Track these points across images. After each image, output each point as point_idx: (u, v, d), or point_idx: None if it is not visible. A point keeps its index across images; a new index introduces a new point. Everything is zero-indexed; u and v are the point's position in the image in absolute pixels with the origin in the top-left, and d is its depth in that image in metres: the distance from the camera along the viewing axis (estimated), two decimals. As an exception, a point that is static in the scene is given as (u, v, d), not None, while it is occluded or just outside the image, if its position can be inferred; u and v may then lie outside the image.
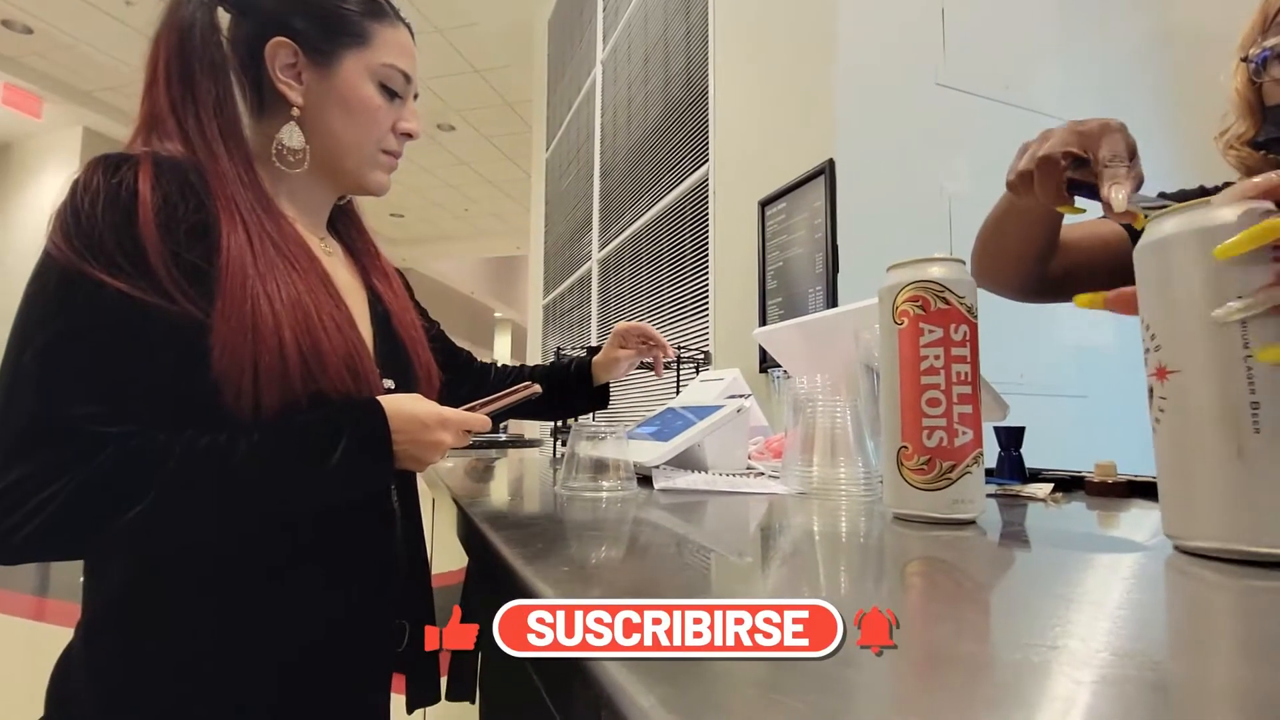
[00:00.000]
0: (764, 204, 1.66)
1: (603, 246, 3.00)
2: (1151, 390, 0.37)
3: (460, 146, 5.65)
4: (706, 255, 2.00)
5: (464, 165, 6.02)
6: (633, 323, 0.95)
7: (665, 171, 2.34)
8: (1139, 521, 0.50)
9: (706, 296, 2.02)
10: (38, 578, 3.71)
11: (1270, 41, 0.64)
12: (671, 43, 2.31)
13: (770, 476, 0.72)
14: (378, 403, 0.52)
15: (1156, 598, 0.32)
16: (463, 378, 0.90)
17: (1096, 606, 0.28)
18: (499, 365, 0.98)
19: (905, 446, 0.47)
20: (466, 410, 0.58)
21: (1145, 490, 0.62)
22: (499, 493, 0.73)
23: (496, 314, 10.42)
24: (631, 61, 2.70)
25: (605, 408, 0.98)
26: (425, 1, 3.77)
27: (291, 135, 0.59)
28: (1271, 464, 0.32)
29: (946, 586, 0.33)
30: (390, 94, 0.63)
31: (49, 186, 5.40)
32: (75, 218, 0.46)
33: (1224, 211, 0.35)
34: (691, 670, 0.20)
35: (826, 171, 1.41)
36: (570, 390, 0.95)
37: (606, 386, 0.96)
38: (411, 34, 0.66)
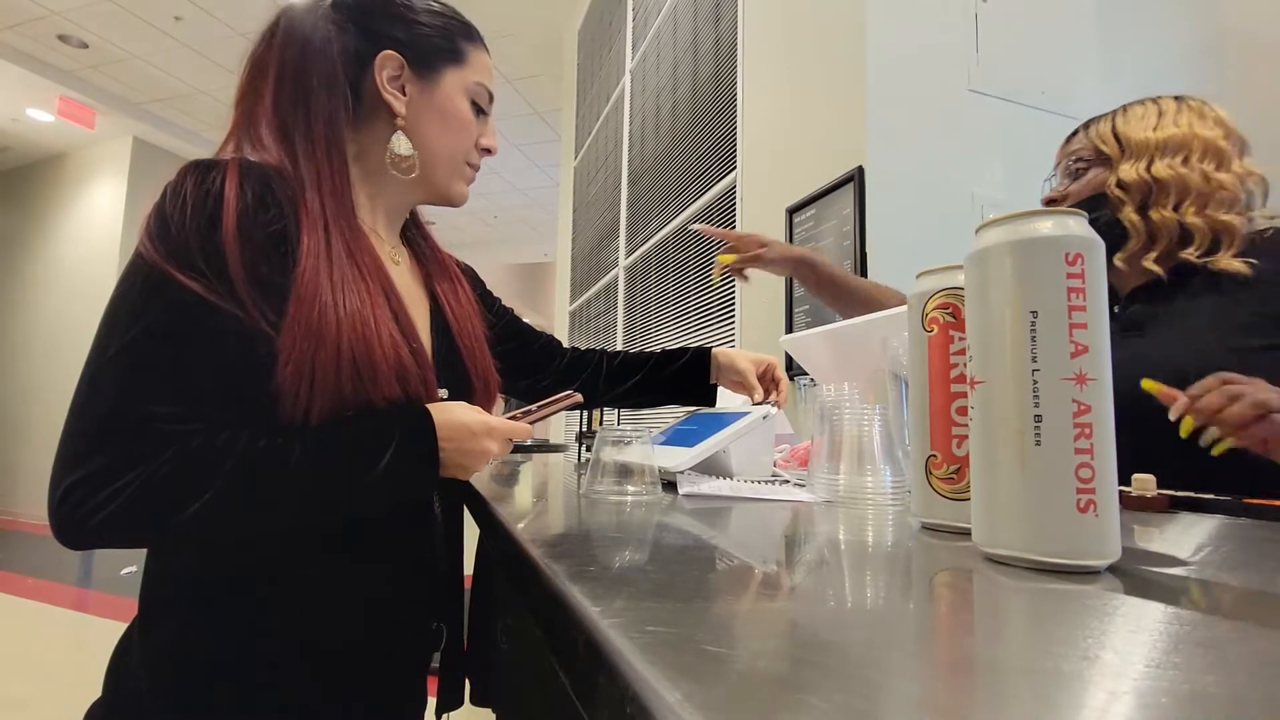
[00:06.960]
0: (792, 211, 1.65)
1: (629, 253, 3.02)
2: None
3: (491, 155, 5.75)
4: (733, 262, 2.00)
5: (494, 174, 6.12)
6: (780, 370, 0.93)
7: (693, 179, 2.35)
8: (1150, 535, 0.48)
9: (733, 303, 2.01)
10: (80, 570, 3.85)
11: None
12: (700, 51, 2.33)
13: (796, 484, 0.72)
14: (428, 411, 0.53)
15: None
16: (531, 368, 0.91)
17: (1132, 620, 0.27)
18: (582, 352, 0.97)
19: (934, 455, 0.46)
20: (510, 419, 0.60)
21: (1187, 505, 0.60)
22: (523, 494, 0.74)
23: (523, 319, 10.53)
24: (660, 70, 2.72)
25: (711, 405, 0.96)
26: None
27: (401, 143, 0.61)
28: (1048, 475, 0.34)
29: (971, 594, 0.33)
30: (478, 110, 0.66)
31: (101, 194, 5.64)
32: (163, 221, 0.48)
33: (1040, 223, 0.35)
34: (716, 668, 0.20)
35: (855, 179, 1.40)
36: (681, 375, 0.93)
37: (715, 386, 0.95)
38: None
